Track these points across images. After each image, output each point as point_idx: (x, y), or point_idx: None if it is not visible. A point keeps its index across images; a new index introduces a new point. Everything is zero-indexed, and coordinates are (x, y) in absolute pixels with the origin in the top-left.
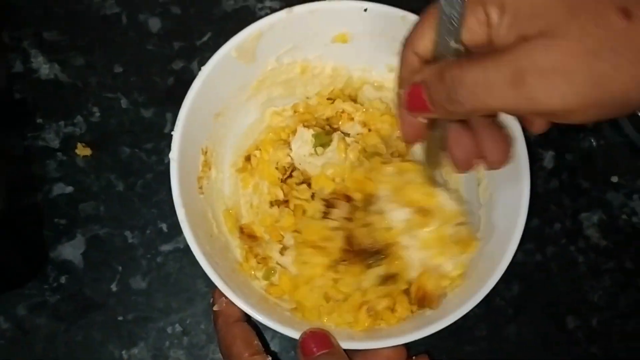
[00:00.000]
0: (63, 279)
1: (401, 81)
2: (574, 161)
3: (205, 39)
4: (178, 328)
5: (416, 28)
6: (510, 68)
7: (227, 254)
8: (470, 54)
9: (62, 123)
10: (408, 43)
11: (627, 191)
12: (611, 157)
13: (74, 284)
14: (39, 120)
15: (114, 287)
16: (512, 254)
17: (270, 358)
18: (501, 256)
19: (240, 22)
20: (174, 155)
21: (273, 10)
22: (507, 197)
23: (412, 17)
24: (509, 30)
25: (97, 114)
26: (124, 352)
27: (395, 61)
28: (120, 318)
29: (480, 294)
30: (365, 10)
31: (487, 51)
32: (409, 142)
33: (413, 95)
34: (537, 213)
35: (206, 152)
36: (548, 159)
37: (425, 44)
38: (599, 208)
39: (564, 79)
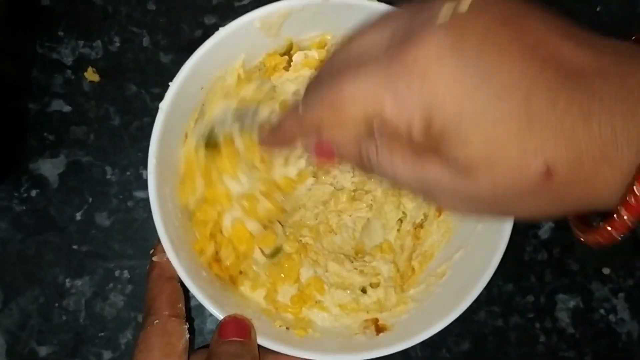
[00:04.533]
0: (33, 193)
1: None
2: (571, 240)
3: (245, 2)
4: (126, 274)
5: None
6: (419, 179)
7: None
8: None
9: (80, 42)
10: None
11: (615, 287)
12: (611, 247)
13: (42, 200)
14: (60, 33)
15: (78, 216)
16: (480, 290)
17: (187, 325)
18: (470, 289)
19: None
20: (164, 105)
21: None
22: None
23: None
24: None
25: (117, 44)
26: (67, 280)
27: None
28: (74, 247)
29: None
30: None
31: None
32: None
33: (320, 147)
34: (515, 279)
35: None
36: (545, 229)
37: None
38: (579, 295)
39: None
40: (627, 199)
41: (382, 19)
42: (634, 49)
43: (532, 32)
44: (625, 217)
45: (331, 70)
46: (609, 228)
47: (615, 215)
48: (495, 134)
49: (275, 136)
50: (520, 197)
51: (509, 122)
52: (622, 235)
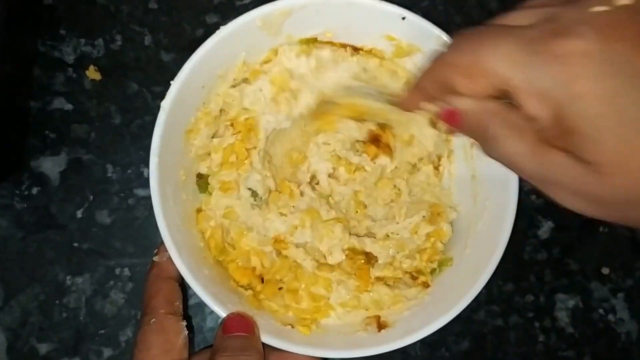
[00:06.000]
0: (35, 190)
1: (431, 81)
2: (571, 240)
3: (246, 1)
4: (126, 272)
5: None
6: (542, 169)
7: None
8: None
9: (82, 41)
10: (468, 65)
11: (614, 287)
12: (611, 247)
13: (43, 198)
14: (62, 32)
15: (79, 214)
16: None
17: (185, 323)
18: (473, 283)
19: None
20: (165, 103)
21: None
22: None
23: (445, 38)
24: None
25: (119, 43)
26: (68, 277)
27: None
28: (75, 244)
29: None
30: (404, 18)
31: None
32: (408, 110)
33: (450, 114)
34: (514, 279)
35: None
36: (545, 229)
37: (484, 84)
38: (579, 294)
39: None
40: None
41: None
42: None
43: None
44: None
45: (472, 35)
46: None
47: None
48: (638, 138)
49: (413, 96)
50: None
51: None
52: None
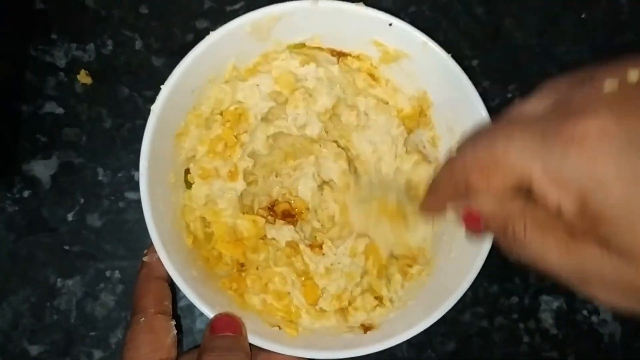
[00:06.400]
0: (26, 193)
1: (452, 182)
2: None
3: (236, 6)
4: (117, 275)
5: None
6: (575, 266)
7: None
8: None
9: (73, 45)
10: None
11: None
12: None
13: (35, 201)
14: (53, 36)
15: (70, 217)
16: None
17: (174, 322)
18: (455, 288)
19: (276, 1)
20: (155, 107)
21: None
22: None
23: (432, 45)
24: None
25: (110, 47)
26: (59, 279)
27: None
28: (66, 247)
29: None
30: (390, 24)
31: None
32: (427, 213)
33: (470, 216)
34: (500, 281)
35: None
36: None
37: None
38: (563, 296)
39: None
40: None
41: (545, 87)
42: None
43: None
44: None
45: (484, 131)
46: None
47: None
48: None
49: (430, 200)
50: None
51: None
52: None
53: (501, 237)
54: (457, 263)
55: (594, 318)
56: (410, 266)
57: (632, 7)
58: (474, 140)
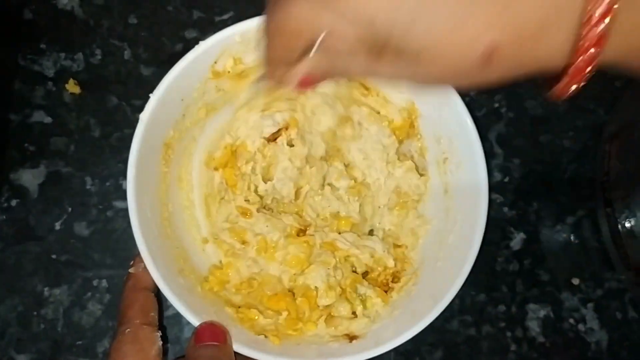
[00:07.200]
0: (14, 202)
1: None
2: (542, 251)
3: (225, 17)
4: (104, 284)
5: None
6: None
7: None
8: None
9: (62, 55)
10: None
11: (584, 297)
12: (581, 258)
13: (22, 210)
14: (42, 46)
15: (57, 226)
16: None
17: (159, 333)
18: (445, 291)
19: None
20: (144, 116)
21: None
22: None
23: None
24: None
25: (98, 57)
26: (46, 289)
27: None
28: (53, 256)
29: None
30: None
31: None
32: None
33: (305, 82)
34: (487, 289)
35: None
36: (517, 240)
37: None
38: (550, 305)
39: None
40: (580, 43)
41: None
42: None
43: None
44: (579, 63)
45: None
46: (566, 80)
47: (568, 68)
48: (438, 23)
49: (270, 70)
50: (467, 74)
51: (453, 6)
52: (578, 84)
53: (325, 76)
54: (443, 272)
55: (580, 326)
56: (388, 289)
57: None
58: (267, 18)
